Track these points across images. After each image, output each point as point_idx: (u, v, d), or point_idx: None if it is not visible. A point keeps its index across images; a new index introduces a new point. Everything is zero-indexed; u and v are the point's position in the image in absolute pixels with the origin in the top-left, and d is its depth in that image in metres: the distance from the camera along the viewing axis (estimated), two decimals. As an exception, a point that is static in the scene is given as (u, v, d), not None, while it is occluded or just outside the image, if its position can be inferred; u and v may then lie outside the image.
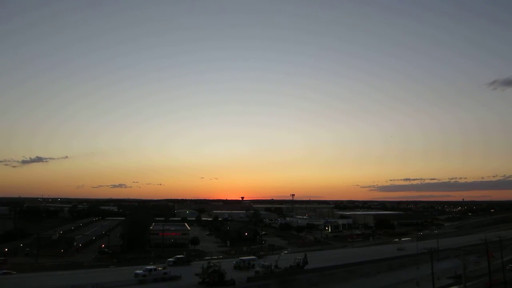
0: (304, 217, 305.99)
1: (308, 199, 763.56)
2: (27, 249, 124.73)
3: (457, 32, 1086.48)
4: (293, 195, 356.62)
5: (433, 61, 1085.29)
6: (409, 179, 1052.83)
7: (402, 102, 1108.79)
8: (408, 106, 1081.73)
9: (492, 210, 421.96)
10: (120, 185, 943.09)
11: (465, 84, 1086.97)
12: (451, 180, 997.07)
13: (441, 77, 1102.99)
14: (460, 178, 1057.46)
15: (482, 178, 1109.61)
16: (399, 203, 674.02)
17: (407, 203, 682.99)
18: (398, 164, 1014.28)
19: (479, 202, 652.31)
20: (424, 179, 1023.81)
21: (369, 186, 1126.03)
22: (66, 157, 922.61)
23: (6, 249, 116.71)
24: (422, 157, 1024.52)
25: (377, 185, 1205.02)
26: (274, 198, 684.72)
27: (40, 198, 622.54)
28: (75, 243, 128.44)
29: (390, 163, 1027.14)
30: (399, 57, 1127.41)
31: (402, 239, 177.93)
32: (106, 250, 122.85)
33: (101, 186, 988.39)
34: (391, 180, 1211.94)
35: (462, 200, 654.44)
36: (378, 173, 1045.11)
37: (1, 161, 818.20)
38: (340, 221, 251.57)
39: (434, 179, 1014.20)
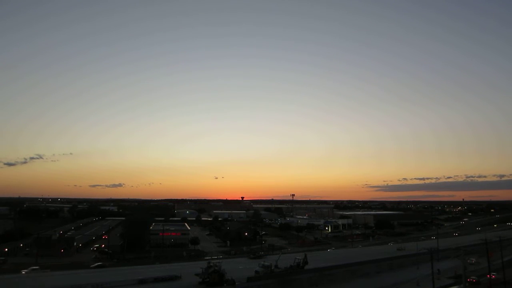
0: (304, 217, 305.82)
1: (308, 199, 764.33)
2: (27, 249, 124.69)
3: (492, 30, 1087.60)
4: (293, 195, 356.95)
5: (453, 59, 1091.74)
6: (423, 178, 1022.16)
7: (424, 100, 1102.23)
8: (433, 102, 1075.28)
9: (492, 210, 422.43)
10: (120, 185, 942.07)
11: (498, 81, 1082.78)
12: (467, 179, 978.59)
13: (456, 75, 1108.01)
14: (479, 176, 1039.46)
15: (502, 176, 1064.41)
16: (399, 203, 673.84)
17: (407, 203, 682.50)
18: (411, 164, 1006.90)
19: (479, 202, 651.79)
20: (439, 178, 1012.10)
21: (377, 186, 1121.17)
22: (71, 153, 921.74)
23: (6, 249, 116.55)
24: (438, 156, 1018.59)
25: (388, 184, 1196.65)
26: (274, 198, 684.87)
27: (40, 198, 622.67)
28: (75, 243, 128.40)
29: (402, 162, 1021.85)
30: (427, 52, 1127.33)
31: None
32: (106, 250, 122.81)
33: (99, 185, 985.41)
34: (404, 179, 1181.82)
35: (462, 200, 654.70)
36: (388, 172, 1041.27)
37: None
38: (340, 221, 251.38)
39: (450, 177, 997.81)
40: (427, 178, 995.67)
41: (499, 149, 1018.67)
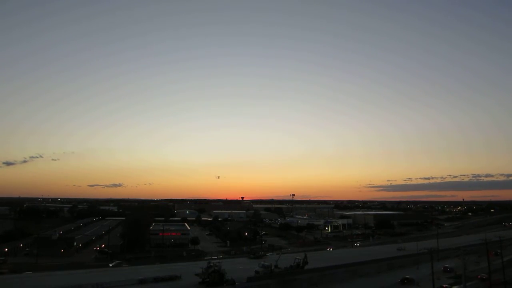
0: (304, 217, 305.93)
1: (308, 199, 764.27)
2: (27, 249, 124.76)
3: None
4: (293, 195, 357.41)
5: (449, 58, 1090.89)
6: (429, 178, 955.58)
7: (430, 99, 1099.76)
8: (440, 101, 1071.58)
9: (492, 210, 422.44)
10: (120, 185, 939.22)
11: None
12: (473, 179, 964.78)
13: (456, 76, 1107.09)
14: (486, 175, 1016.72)
15: (510, 176, 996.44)
16: (399, 203, 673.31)
17: (407, 203, 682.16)
18: (416, 163, 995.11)
19: (479, 202, 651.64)
20: (445, 177, 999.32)
21: (380, 186, 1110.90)
22: (73, 152, 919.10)
23: (6, 249, 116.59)
24: (445, 156, 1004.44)
25: (391, 184, 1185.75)
26: (274, 198, 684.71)
27: (40, 198, 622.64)
28: (75, 243, 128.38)
29: (407, 162, 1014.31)
30: (432, 52, 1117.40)
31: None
32: (106, 250, 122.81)
33: (98, 185, 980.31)
34: (409, 178, 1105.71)
35: (462, 200, 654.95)
36: (393, 172, 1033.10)
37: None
38: (340, 221, 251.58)
39: (456, 177, 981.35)
40: (433, 178, 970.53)
41: (507, 148, 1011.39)
